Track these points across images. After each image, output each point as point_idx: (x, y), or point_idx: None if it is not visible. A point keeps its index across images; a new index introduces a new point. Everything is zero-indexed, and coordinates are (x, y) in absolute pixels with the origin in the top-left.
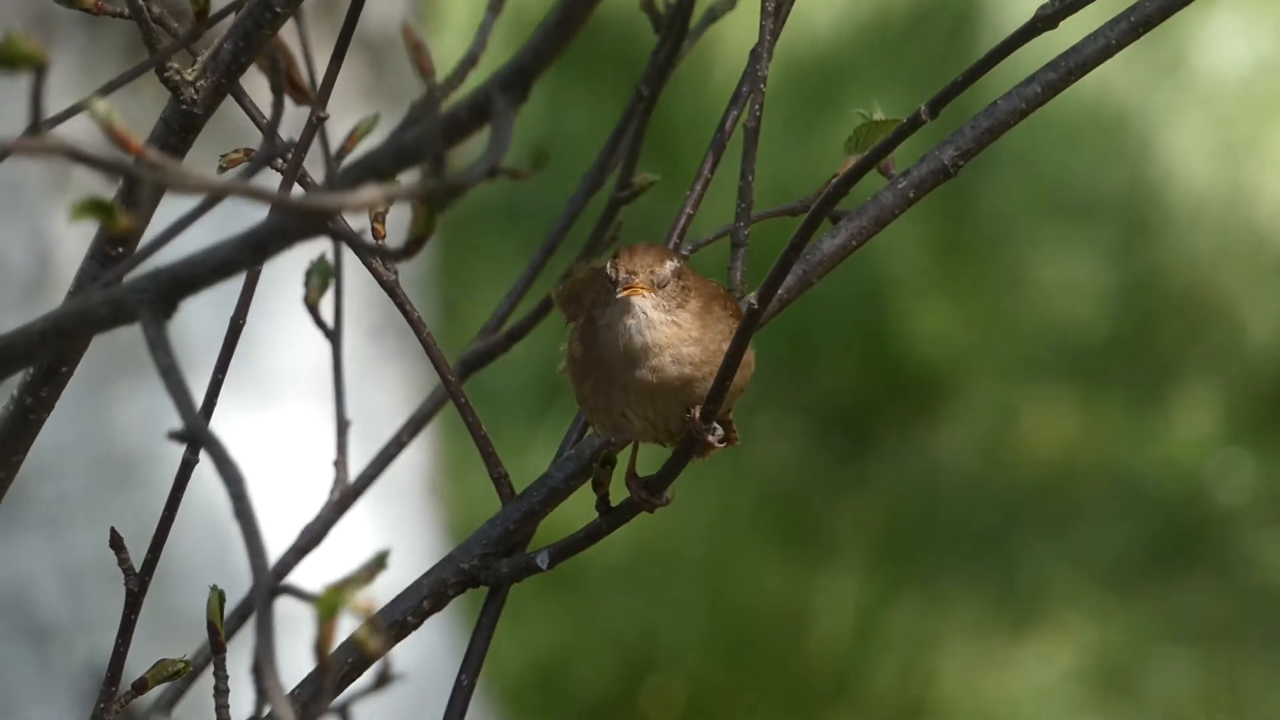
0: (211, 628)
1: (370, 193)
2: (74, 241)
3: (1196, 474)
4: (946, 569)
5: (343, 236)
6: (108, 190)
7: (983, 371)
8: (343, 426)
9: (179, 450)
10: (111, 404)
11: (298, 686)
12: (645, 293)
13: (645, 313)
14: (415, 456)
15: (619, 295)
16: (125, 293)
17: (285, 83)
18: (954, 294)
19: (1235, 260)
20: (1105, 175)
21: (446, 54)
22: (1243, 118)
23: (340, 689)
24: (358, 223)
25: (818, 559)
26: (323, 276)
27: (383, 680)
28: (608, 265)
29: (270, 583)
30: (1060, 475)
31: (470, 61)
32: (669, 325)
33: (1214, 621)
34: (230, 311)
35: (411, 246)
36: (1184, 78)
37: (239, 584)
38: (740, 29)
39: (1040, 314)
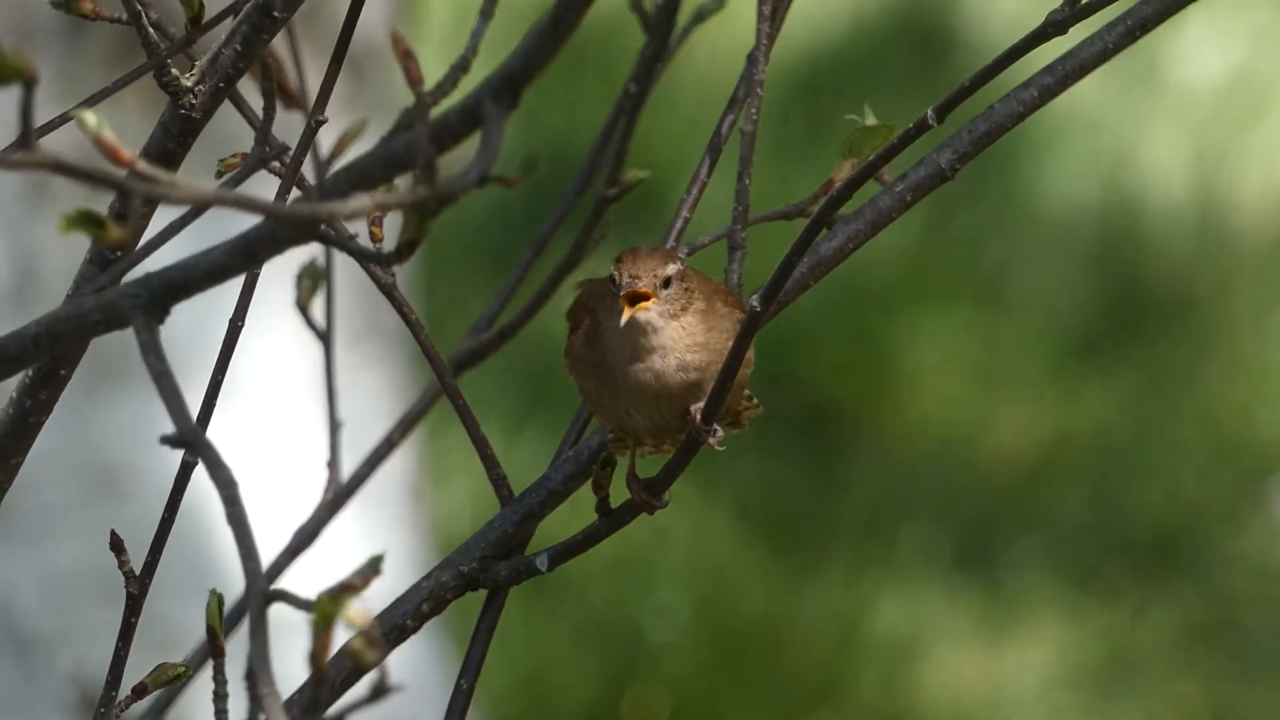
0: (211, 631)
1: (361, 201)
2: (56, 254)
3: (1175, 479)
4: (927, 575)
5: (336, 242)
6: (90, 201)
7: (960, 377)
8: (335, 427)
9: (161, 461)
10: (93, 414)
11: (295, 693)
12: (650, 296)
13: (650, 319)
14: (397, 460)
15: (622, 300)
16: (117, 297)
17: (275, 88)
18: (931, 300)
19: (1210, 268)
20: (1081, 184)
21: (427, 62)
22: (1216, 127)
23: (338, 695)
24: (351, 225)
25: (799, 565)
26: (313, 280)
27: (379, 692)
28: (611, 269)
29: (264, 588)
30: (1038, 481)
31: (462, 68)
32: (674, 330)
33: (1192, 627)
34: (200, 316)
35: (403, 250)
36: (1157, 87)
37: (223, 593)
38: (731, 34)
39: (1017, 321)
